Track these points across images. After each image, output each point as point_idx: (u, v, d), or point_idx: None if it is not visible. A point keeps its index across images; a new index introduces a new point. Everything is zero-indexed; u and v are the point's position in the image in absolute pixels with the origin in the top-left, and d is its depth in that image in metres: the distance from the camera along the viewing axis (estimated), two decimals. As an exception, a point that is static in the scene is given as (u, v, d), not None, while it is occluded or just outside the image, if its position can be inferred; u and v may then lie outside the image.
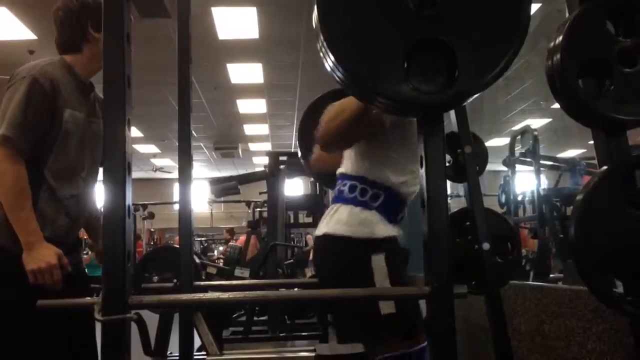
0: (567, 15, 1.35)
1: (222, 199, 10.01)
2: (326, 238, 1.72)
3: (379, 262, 1.62)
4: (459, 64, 1.08)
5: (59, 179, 1.87)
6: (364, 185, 1.70)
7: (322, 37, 1.09)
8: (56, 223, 1.88)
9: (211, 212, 15.36)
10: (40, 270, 1.73)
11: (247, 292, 1.36)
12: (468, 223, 1.58)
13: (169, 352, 3.31)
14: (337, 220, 1.71)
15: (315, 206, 5.52)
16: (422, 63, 1.09)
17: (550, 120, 11.34)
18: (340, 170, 1.82)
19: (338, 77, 1.13)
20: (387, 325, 1.58)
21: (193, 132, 2.17)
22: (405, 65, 1.07)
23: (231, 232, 13.49)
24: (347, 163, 1.80)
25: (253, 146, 14.63)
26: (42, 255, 1.74)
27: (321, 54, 1.13)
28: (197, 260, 4.36)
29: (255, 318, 4.55)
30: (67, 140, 1.88)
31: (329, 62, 1.11)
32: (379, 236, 1.66)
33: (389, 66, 1.09)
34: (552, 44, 1.29)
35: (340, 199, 1.74)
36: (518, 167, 5.51)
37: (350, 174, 1.76)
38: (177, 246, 2.15)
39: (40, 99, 1.80)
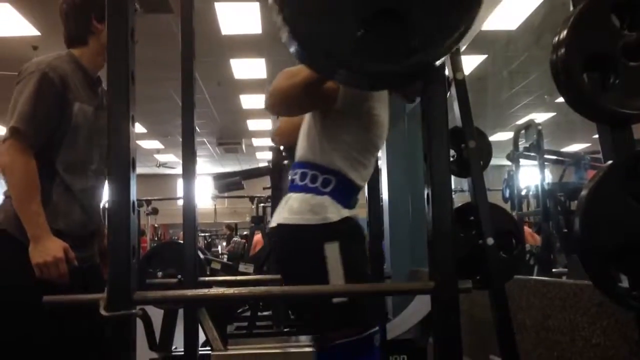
0: (571, 8, 1.35)
1: (225, 194, 10.02)
2: (280, 228, 1.70)
3: (332, 251, 1.59)
4: (415, 34, 1.07)
5: (70, 173, 1.89)
6: (314, 172, 1.68)
7: (278, 10, 1.09)
8: (70, 216, 1.89)
9: (215, 208, 15.36)
10: (46, 264, 1.74)
11: (252, 288, 1.37)
12: (472, 218, 1.58)
13: (173, 347, 3.31)
14: (289, 209, 1.68)
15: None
16: (379, 34, 1.08)
17: (554, 114, 11.31)
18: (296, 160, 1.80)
19: (295, 50, 1.13)
20: (340, 314, 1.57)
21: (196, 127, 2.18)
22: (361, 36, 1.07)
23: (231, 227, 13.43)
24: (299, 150, 1.77)
25: (256, 141, 14.63)
26: (48, 249, 1.75)
27: (279, 29, 1.13)
28: (201, 256, 4.37)
29: (259, 313, 4.56)
30: (77, 134, 1.90)
31: (285, 35, 1.11)
32: (332, 220, 1.63)
33: (343, 38, 1.08)
34: (556, 37, 1.29)
35: (292, 187, 1.73)
36: (522, 161, 5.50)
37: (301, 161, 1.74)
38: (181, 242, 2.15)
39: (50, 93, 1.81)
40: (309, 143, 1.73)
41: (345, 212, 1.66)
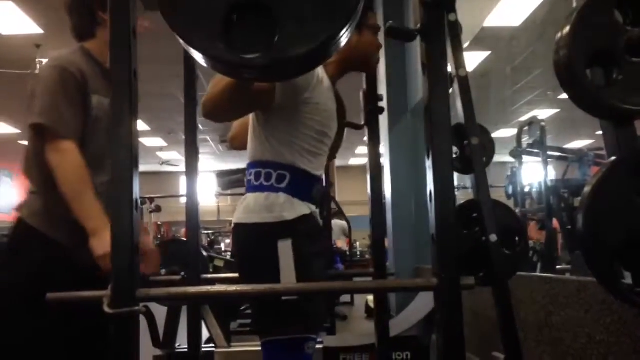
0: (574, 4, 1.34)
1: (229, 191, 10.04)
2: (236, 228, 1.72)
3: (285, 248, 1.60)
4: (281, 29, 1.07)
5: (91, 167, 1.85)
6: (267, 170, 1.68)
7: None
8: None
9: (218, 205, 15.36)
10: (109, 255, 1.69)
11: (255, 285, 1.36)
12: (475, 215, 1.57)
13: (177, 345, 3.32)
14: (244, 209, 1.70)
15: (322, 199, 5.52)
16: (248, 26, 1.08)
17: (558, 110, 11.29)
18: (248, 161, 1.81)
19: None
20: (284, 311, 1.58)
21: (199, 125, 2.17)
22: (226, 28, 1.07)
23: (235, 225, 13.41)
24: (249, 151, 1.78)
25: (259, 139, 14.61)
26: (109, 240, 1.70)
27: None
28: (205, 253, 4.38)
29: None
30: (97, 127, 1.88)
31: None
32: (288, 218, 1.64)
33: (208, 29, 1.08)
34: (560, 33, 1.28)
35: (248, 188, 1.74)
36: (525, 158, 5.49)
37: (253, 161, 1.74)
38: (185, 239, 2.16)
39: (73, 87, 1.80)
40: (257, 142, 1.74)
41: (304, 209, 1.68)
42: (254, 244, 1.67)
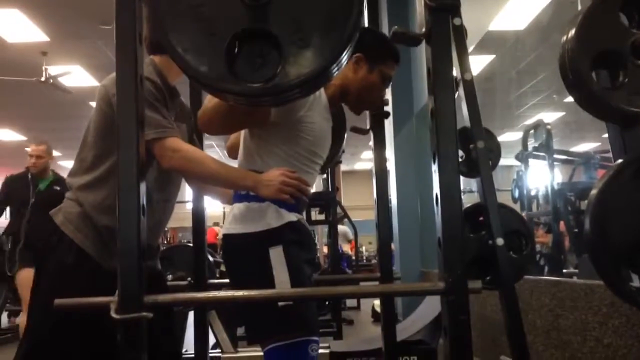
0: (579, 7, 1.34)
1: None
2: (225, 238, 1.72)
3: (277, 254, 1.62)
4: (284, 56, 1.08)
5: (156, 183, 1.83)
6: None
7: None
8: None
9: (224, 211, 15.39)
10: (280, 190, 1.64)
11: (262, 290, 1.36)
12: (481, 218, 1.57)
13: (184, 350, 3.32)
14: (232, 219, 1.71)
15: (327, 203, 5.52)
16: (252, 53, 1.09)
17: (563, 113, 11.26)
18: None
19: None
20: (283, 316, 1.58)
21: (205, 130, 2.17)
22: (230, 54, 1.08)
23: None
24: (239, 161, 1.80)
25: (265, 144, 14.63)
26: (267, 181, 1.65)
27: None
28: (211, 259, 4.38)
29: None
30: None
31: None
32: (274, 226, 1.64)
33: (212, 55, 1.09)
34: (565, 36, 1.29)
35: (235, 197, 1.74)
36: (531, 161, 5.48)
37: None
38: (191, 245, 2.16)
39: (160, 96, 1.76)
40: (247, 154, 1.75)
41: (290, 217, 1.68)
42: (244, 253, 1.68)
